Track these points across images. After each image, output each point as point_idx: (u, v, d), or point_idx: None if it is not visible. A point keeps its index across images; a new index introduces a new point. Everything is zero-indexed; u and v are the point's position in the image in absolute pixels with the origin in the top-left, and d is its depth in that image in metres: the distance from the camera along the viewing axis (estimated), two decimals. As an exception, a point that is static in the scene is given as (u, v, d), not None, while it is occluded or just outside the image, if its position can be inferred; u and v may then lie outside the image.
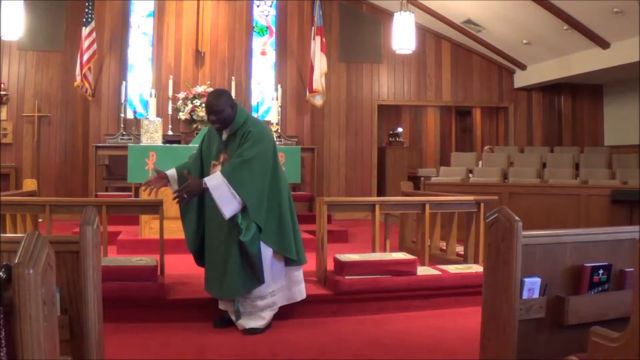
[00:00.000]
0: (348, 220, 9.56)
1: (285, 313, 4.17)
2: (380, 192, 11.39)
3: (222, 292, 3.97)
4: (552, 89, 11.48)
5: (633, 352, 1.91)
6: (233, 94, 9.43)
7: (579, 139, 11.52)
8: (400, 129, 13.81)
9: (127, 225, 7.02)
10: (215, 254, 3.98)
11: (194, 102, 9.61)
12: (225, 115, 3.91)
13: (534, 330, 2.65)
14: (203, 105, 9.56)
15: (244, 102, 9.95)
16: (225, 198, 3.75)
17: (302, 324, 4.20)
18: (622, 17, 7.91)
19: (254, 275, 3.85)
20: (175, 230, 6.45)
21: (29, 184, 6.28)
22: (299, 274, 4.19)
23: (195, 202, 4.07)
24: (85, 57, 9.19)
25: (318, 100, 10.00)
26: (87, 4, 9.32)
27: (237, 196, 3.76)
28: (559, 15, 8.57)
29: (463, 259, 5.70)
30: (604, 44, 8.93)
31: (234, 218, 3.82)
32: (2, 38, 7.82)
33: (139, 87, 10.15)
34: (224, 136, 4.02)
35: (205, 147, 4.16)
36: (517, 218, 2.60)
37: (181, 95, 9.71)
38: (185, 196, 3.84)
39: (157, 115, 8.47)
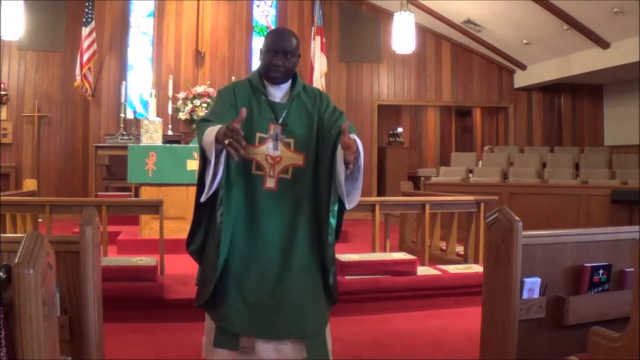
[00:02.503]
0: (348, 220, 9.51)
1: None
2: (380, 192, 11.39)
3: (305, 326, 2.63)
4: (552, 89, 11.48)
5: (633, 352, 1.91)
6: (233, 94, 9.43)
7: (579, 139, 11.52)
8: (400, 129, 13.80)
9: (127, 225, 7.03)
10: (285, 275, 2.62)
11: (194, 102, 9.62)
12: (295, 62, 2.72)
13: (534, 330, 2.65)
14: (203, 105, 9.58)
15: (244, 102, 9.94)
16: (362, 173, 2.61)
17: (302, 324, 4.19)
18: (622, 17, 7.91)
19: (334, 292, 2.82)
20: (175, 230, 6.46)
21: (29, 184, 6.29)
22: None
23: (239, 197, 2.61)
24: (85, 57, 9.21)
25: (318, 100, 9.98)
26: (87, 4, 9.33)
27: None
28: (559, 15, 8.57)
29: (463, 259, 5.70)
30: (604, 44, 8.92)
31: (306, 215, 2.74)
32: (2, 38, 7.82)
33: (139, 87, 10.16)
34: (278, 97, 2.75)
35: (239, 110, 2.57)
36: (517, 218, 2.60)
37: (181, 95, 9.72)
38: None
39: (157, 115, 8.47)
